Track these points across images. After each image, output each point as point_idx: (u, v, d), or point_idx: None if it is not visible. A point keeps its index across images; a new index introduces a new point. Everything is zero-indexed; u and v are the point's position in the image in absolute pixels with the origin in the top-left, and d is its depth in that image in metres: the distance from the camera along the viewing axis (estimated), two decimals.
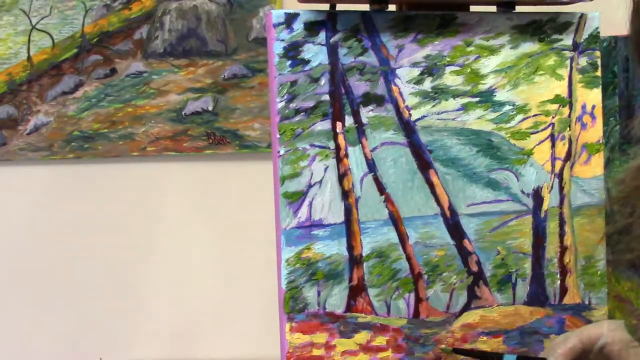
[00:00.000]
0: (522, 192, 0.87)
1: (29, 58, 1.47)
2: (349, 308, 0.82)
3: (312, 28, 0.81)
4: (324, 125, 0.81)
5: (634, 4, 0.49)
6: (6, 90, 1.46)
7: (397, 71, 0.83)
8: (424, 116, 0.84)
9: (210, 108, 1.48)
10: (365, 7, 0.83)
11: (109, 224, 1.50)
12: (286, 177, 0.80)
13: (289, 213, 0.80)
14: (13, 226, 1.50)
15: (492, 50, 0.86)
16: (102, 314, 1.50)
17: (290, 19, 0.80)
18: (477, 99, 0.86)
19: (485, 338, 0.86)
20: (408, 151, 0.84)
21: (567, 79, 0.89)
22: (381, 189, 0.83)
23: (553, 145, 0.88)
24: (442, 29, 0.84)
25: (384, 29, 0.83)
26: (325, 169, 0.82)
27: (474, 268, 0.86)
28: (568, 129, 0.89)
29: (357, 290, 0.82)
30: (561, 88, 0.88)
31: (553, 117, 0.88)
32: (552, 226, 0.88)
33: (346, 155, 0.82)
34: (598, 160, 0.90)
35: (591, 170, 0.89)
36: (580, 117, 0.89)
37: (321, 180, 0.81)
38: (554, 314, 0.88)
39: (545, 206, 0.88)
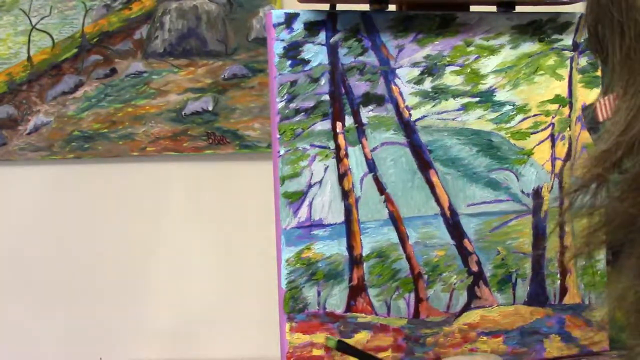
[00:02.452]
0: (522, 192, 0.87)
1: (29, 58, 1.47)
2: (349, 308, 0.82)
3: (312, 28, 0.81)
4: (324, 125, 0.81)
5: None
6: (6, 90, 1.46)
7: (397, 71, 0.83)
8: (424, 116, 0.84)
9: (210, 108, 1.48)
10: (365, 7, 0.83)
11: (109, 224, 1.50)
12: (286, 177, 0.80)
13: (289, 213, 0.80)
14: (13, 226, 1.50)
15: (492, 50, 0.86)
16: (102, 314, 1.50)
17: (290, 19, 0.80)
18: (477, 99, 0.86)
19: (485, 338, 0.86)
20: (408, 151, 0.84)
21: (567, 79, 0.89)
22: (381, 189, 0.83)
23: (553, 145, 0.88)
24: (442, 29, 0.84)
25: (384, 29, 0.83)
26: (325, 169, 0.82)
27: (474, 268, 0.86)
28: (568, 129, 0.89)
29: (357, 290, 0.82)
30: (561, 88, 0.88)
31: (553, 117, 0.88)
32: (552, 226, 0.88)
33: (346, 155, 0.82)
34: None
35: None
36: (580, 117, 0.89)
37: (321, 180, 0.81)
38: (554, 314, 0.88)
39: (545, 206, 0.88)
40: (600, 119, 0.50)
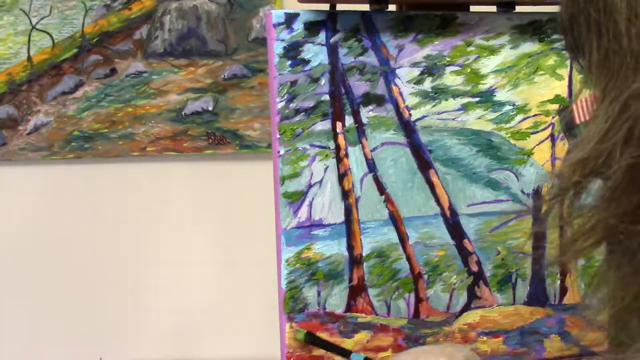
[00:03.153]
0: (522, 192, 0.87)
1: (29, 58, 1.46)
2: (349, 308, 0.82)
3: (312, 28, 0.81)
4: (324, 125, 0.81)
5: None
6: (6, 90, 1.46)
7: (397, 71, 0.83)
8: (424, 116, 0.84)
9: (210, 108, 1.48)
10: (365, 7, 0.83)
11: (109, 224, 1.50)
12: (286, 177, 0.80)
13: (289, 213, 0.80)
14: (13, 226, 1.50)
15: (492, 50, 0.86)
16: (102, 314, 1.50)
17: (290, 19, 0.80)
18: (477, 99, 0.86)
19: (485, 338, 0.86)
20: (408, 151, 0.84)
21: (567, 79, 0.89)
22: (381, 189, 0.83)
23: (553, 145, 0.88)
24: (442, 29, 0.84)
25: (384, 29, 0.83)
26: (325, 169, 0.82)
27: (474, 268, 0.86)
28: None
29: (357, 290, 0.82)
30: (561, 88, 0.88)
31: (553, 117, 0.88)
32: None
33: (346, 155, 0.82)
34: None
35: None
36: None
37: (321, 180, 0.81)
38: (554, 314, 0.88)
39: (545, 206, 0.88)
40: (577, 121, 0.49)
